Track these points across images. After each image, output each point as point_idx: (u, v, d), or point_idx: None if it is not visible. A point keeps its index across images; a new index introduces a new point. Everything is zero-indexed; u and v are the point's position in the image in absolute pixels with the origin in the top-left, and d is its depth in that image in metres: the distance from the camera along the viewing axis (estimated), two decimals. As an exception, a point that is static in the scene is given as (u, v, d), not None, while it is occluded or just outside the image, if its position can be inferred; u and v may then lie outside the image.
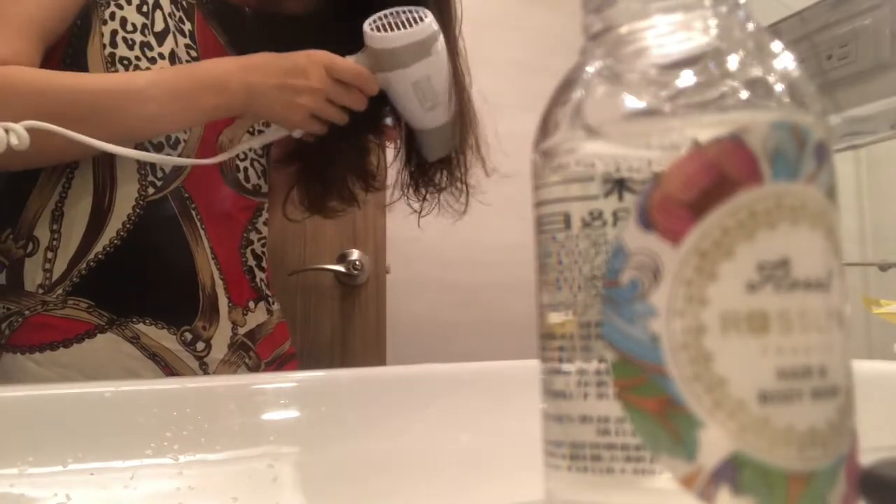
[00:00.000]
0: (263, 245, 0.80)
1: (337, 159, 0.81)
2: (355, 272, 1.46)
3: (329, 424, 0.48)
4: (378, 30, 0.65)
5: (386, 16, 0.65)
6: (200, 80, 0.64)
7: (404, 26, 0.64)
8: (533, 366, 0.22)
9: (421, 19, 0.65)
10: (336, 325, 1.46)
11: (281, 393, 0.50)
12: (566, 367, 0.20)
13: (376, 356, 1.46)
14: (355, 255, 1.48)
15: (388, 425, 0.49)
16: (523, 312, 1.77)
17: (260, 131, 0.79)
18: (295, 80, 0.65)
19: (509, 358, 0.56)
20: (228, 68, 0.66)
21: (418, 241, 1.81)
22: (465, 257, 1.87)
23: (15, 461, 0.38)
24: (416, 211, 0.84)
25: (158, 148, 0.70)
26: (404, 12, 0.65)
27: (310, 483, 0.44)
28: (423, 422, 0.50)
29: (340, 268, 1.45)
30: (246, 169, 0.78)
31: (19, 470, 0.38)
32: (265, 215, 0.80)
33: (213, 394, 0.47)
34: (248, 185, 0.78)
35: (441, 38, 0.67)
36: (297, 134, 0.69)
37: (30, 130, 0.51)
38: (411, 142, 0.79)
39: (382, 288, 1.50)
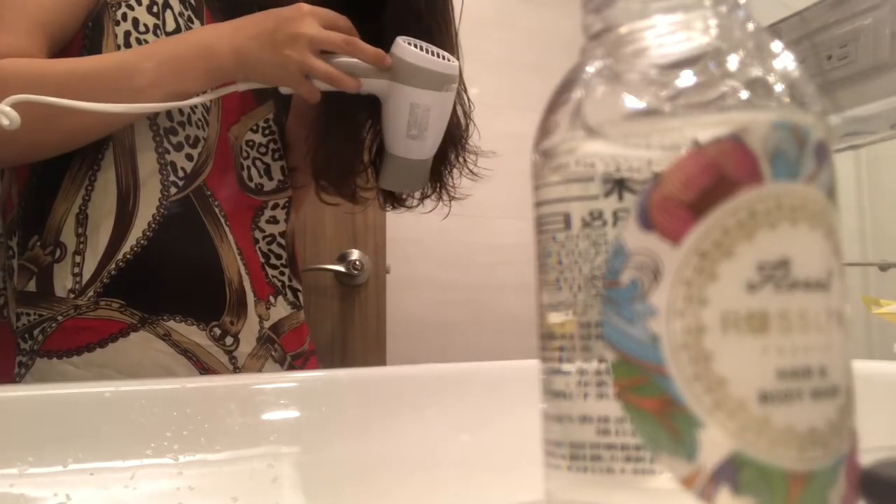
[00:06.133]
0: (269, 243, 0.81)
1: (337, 143, 0.82)
2: (355, 272, 1.46)
3: (329, 424, 0.48)
4: (410, 45, 0.67)
5: (420, 42, 0.68)
6: (190, 46, 0.65)
7: (435, 56, 0.68)
8: (533, 366, 0.22)
9: (450, 60, 0.68)
10: (336, 325, 1.46)
11: (281, 393, 0.50)
12: (566, 367, 0.20)
13: (376, 356, 1.46)
14: (355, 255, 1.48)
15: (388, 425, 0.49)
16: (523, 312, 1.77)
17: (264, 128, 0.80)
18: (281, 32, 0.64)
19: (509, 358, 0.56)
20: (218, 31, 0.66)
21: (418, 241, 1.82)
22: (465, 257, 1.87)
23: (15, 461, 0.38)
24: (394, 207, 0.86)
25: (178, 147, 0.71)
26: (438, 52, 0.68)
27: (310, 483, 0.44)
28: (423, 422, 0.50)
29: (340, 268, 1.45)
30: (249, 168, 0.78)
31: (19, 470, 0.38)
32: (267, 214, 0.81)
33: (213, 394, 0.47)
34: (251, 185, 0.79)
35: (454, 88, 0.69)
36: (285, 90, 0.68)
37: (22, 108, 0.51)
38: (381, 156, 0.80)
39: (382, 288, 1.50)
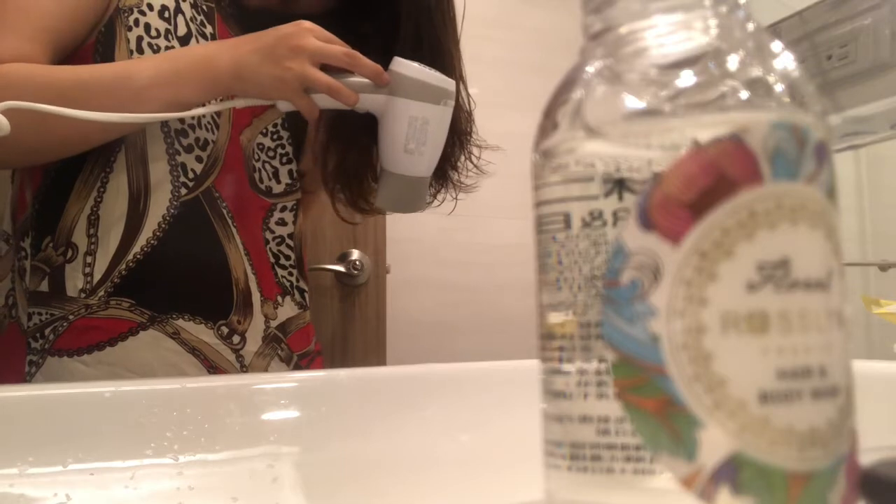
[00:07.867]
0: (279, 244, 0.82)
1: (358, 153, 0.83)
2: (355, 272, 1.46)
3: (329, 424, 0.48)
4: (408, 61, 0.68)
5: (419, 62, 0.69)
6: (190, 57, 0.66)
7: (432, 71, 0.69)
8: (533, 366, 0.22)
9: (446, 77, 0.70)
10: (336, 325, 1.46)
11: (281, 393, 0.50)
12: (566, 367, 0.20)
13: (376, 356, 1.46)
14: (355, 255, 1.48)
15: (388, 425, 0.49)
16: (523, 312, 1.77)
17: (273, 133, 0.81)
18: (282, 45, 0.64)
19: (509, 358, 0.56)
20: (219, 45, 0.67)
21: (418, 241, 1.82)
22: (465, 257, 1.87)
23: (15, 461, 0.38)
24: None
25: (189, 149, 0.72)
26: (435, 71, 0.69)
27: (310, 483, 0.44)
28: (423, 422, 0.50)
29: (340, 268, 1.45)
30: (260, 170, 0.80)
31: (19, 470, 0.38)
32: (276, 216, 0.82)
33: (213, 394, 0.47)
34: (262, 186, 0.80)
35: (451, 105, 0.70)
36: (283, 107, 0.68)
37: (18, 113, 0.51)
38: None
39: (382, 288, 1.50)
